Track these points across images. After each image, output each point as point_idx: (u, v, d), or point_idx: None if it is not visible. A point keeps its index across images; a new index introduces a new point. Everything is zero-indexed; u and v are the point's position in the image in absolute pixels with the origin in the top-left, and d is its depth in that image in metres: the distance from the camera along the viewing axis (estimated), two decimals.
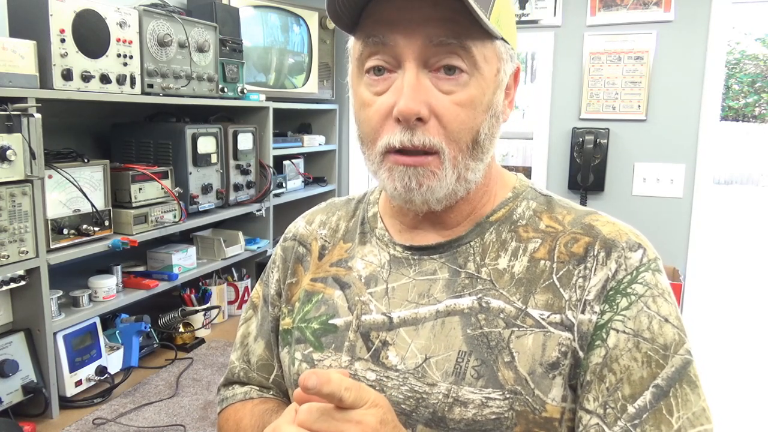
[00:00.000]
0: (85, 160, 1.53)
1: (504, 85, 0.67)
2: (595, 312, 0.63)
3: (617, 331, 0.62)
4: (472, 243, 0.71)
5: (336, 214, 0.84)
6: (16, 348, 1.35)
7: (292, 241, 0.86)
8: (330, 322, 0.75)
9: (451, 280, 0.69)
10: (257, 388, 0.86)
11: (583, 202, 2.59)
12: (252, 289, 2.20)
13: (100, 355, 1.55)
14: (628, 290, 0.63)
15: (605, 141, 2.53)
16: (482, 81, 0.63)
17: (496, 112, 0.67)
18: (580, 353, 0.63)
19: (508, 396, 0.63)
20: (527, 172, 3.40)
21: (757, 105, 18.67)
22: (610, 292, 0.63)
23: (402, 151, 0.63)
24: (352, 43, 0.68)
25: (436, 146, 0.63)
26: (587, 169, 2.53)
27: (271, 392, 0.85)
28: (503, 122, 0.69)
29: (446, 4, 0.59)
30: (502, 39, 0.64)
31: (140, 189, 1.67)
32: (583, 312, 0.63)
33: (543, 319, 0.64)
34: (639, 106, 2.49)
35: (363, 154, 0.69)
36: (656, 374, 0.61)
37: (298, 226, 0.87)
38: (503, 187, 0.74)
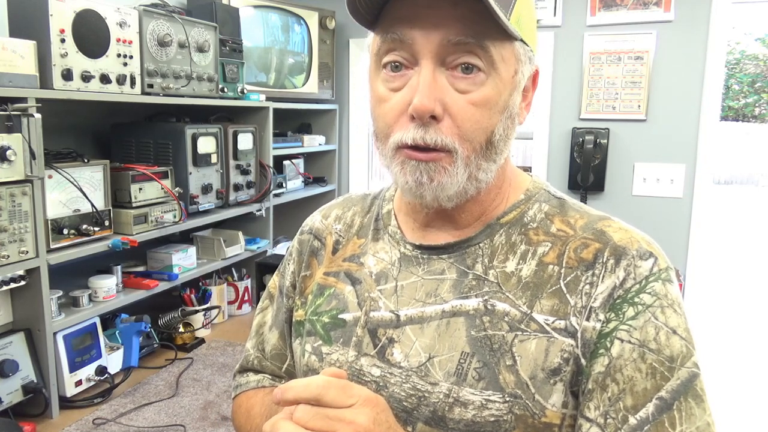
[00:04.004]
0: (85, 160, 1.53)
1: (521, 87, 0.67)
2: (600, 320, 0.62)
3: (622, 340, 0.61)
4: (481, 244, 0.70)
5: (352, 209, 0.85)
6: (16, 348, 1.35)
7: (308, 234, 0.87)
8: (340, 316, 0.75)
9: (458, 280, 0.69)
10: (270, 376, 0.88)
11: (583, 202, 2.58)
12: (252, 290, 2.21)
13: (100, 355, 1.55)
14: (636, 299, 0.62)
15: (605, 141, 2.53)
16: (499, 81, 0.63)
17: (511, 113, 0.66)
18: (582, 361, 0.62)
19: (508, 399, 0.63)
20: (527, 172, 3.40)
21: (757, 105, 18.67)
22: (617, 301, 0.62)
23: (415, 147, 0.63)
24: (371, 40, 0.68)
25: (449, 146, 0.63)
26: (587, 169, 2.53)
27: (284, 381, 0.86)
28: (519, 124, 0.69)
29: (466, 3, 0.59)
30: (522, 41, 0.64)
31: (140, 189, 1.67)
32: (587, 319, 0.63)
33: (547, 324, 0.64)
34: (639, 106, 2.49)
35: (377, 150, 0.69)
36: (660, 386, 0.60)
37: (315, 219, 0.88)
38: (516, 188, 0.74)
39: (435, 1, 0.60)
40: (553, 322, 0.64)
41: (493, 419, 0.63)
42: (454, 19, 0.60)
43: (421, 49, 0.61)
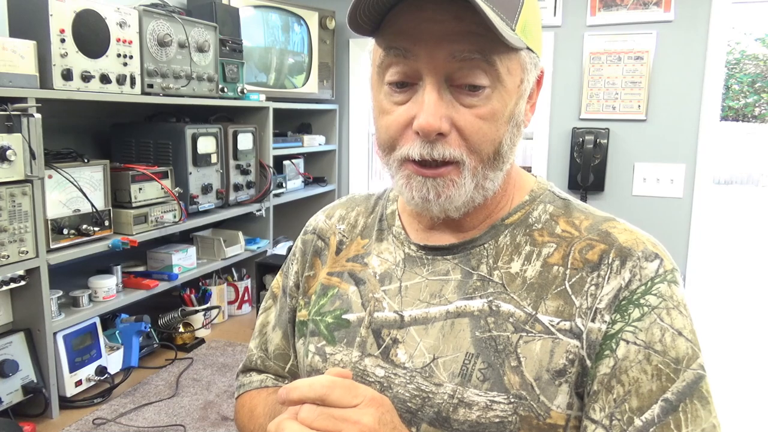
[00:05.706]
0: (85, 160, 1.53)
1: (527, 94, 0.66)
2: (605, 321, 0.62)
3: (627, 342, 0.61)
4: (486, 245, 0.70)
5: (355, 210, 0.85)
6: (16, 348, 1.35)
7: (311, 234, 0.87)
8: (343, 317, 0.75)
9: (463, 281, 0.69)
10: (273, 376, 0.88)
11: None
12: (252, 290, 2.21)
13: (100, 355, 1.55)
14: (641, 301, 0.62)
15: (605, 141, 2.53)
16: (505, 93, 0.62)
17: (517, 121, 0.66)
18: (588, 362, 0.62)
19: (512, 400, 0.63)
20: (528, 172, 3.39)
21: (757, 105, 18.67)
22: (623, 302, 0.62)
23: (421, 162, 0.63)
24: (373, 48, 0.67)
25: (457, 158, 0.62)
26: (587, 169, 2.53)
27: (287, 381, 0.87)
28: (525, 127, 0.68)
29: (470, 18, 0.57)
30: (528, 48, 0.63)
31: (140, 189, 1.67)
32: (593, 320, 0.63)
33: (552, 325, 0.64)
34: (639, 106, 2.49)
35: (380, 158, 0.69)
36: (666, 388, 0.60)
37: (318, 219, 0.88)
38: (521, 189, 0.73)
39: (439, 15, 0.59)
40: (558, 324, 0.64)
41: (497, 420, 0.63)
42: (458, 34, 0.59)
43: (425, 66, 0.60)
